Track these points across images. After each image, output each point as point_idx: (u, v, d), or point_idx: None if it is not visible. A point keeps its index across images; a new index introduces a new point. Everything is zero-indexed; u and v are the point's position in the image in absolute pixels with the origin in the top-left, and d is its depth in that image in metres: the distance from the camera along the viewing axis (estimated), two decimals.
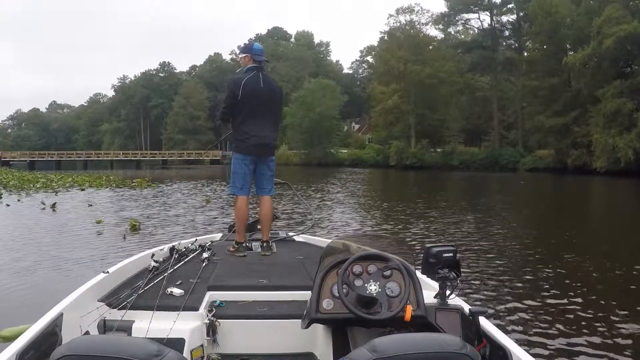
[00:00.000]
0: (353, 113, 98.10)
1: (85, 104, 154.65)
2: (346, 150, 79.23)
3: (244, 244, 5.21)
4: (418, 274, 3.13)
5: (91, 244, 11.04)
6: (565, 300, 7.00)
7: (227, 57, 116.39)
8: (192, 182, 34.41)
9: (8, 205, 18.73)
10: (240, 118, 5.27)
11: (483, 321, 2.74)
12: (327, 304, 2.93)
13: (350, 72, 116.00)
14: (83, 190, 26.81)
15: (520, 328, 5.89)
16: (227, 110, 5.34)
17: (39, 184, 29.14)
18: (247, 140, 5.25)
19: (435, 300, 3.00)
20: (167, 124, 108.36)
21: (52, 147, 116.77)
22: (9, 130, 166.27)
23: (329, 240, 4.32)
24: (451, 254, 3.07)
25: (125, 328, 3.19)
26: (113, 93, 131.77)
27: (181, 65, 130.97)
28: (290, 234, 6.34)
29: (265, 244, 5.26)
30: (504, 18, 69.74)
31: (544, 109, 53.32)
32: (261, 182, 5.50)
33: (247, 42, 6.07)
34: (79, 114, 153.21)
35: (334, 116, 77.18)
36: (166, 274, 3.97)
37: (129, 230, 12.68)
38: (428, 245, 3.26)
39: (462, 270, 3.12)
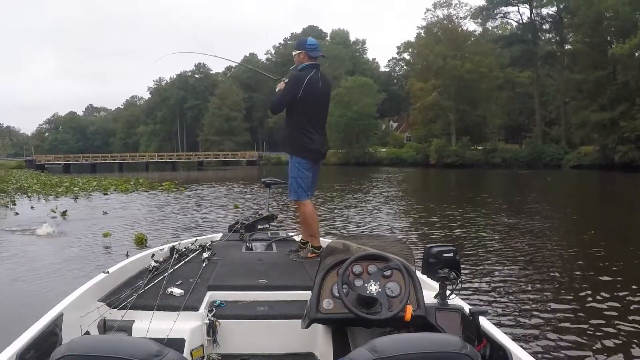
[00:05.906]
0: (391, 111, 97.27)
1: (122, 107, 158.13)
2: (385, 149, 78.61)
3: (320, 248, 4.95)
4: (418, 274, 3.15)
5: (82, 266, 9.36)
6: (566, 301, 6.96)
7: (262, 57, 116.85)
8: (225, 185, 33.59)
9: (17, 213, 17.68)
10: (300, 118, 5.00)
11: (483, 321, 2.71)
12: (327, 303, 2.95)
13: (387, 70, 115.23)
14: (106, 195, 26.16)
15: (520, 328, 5.87)
16: (282, 106, 5.11)
17: (60, 189, 28.61)
18: (311, 144, 5.02)
19: (435, 300, 3.00)
20: (203, 125, 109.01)
21: (89, 150, 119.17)
22: (47, 134, 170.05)
23: (329, 240, 4.31)
24: (451, 254, 3.06)
25: (126, 328, 3.22)
26: (149, 95, 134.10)
27: (217, 67, 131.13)
28: (290, 234, 6.34)
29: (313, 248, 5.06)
30: (544, 10, 67.57)
31: (589, 103, 51.52)
32: None
33: (292, 38, 5.39)
34: (115, 116, 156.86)
35: (371, 114, 76.67)
36: (166, 274, 4.00)
37: (134, 245, 11.20)
38: (428, 245, 3.18)
39: (468, 269, 3.22)
